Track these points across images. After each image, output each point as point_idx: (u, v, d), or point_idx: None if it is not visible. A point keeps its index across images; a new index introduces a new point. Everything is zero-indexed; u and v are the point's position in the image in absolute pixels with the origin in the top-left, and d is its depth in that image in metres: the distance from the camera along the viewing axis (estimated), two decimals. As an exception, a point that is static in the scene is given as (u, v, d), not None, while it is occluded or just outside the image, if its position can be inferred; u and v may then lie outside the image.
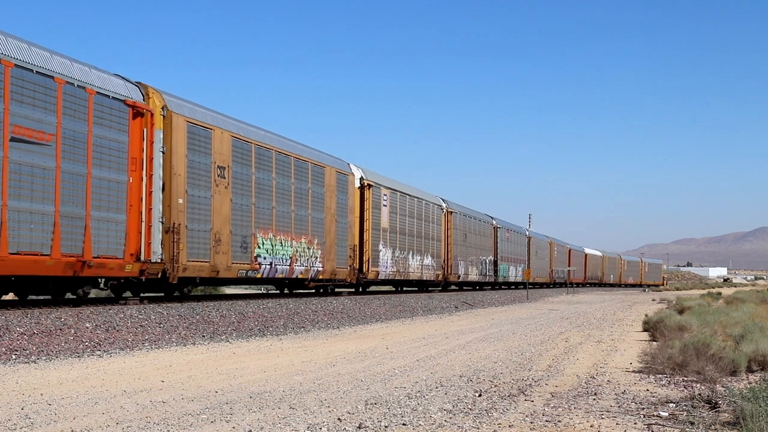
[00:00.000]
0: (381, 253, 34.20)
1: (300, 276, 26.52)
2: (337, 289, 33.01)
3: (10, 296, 27.89)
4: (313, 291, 30.45)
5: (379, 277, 34.00)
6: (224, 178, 21.86)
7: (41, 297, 19.21)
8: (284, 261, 25.20)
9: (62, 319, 14.41)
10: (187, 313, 17.59)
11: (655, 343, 14.60)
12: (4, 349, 11.79)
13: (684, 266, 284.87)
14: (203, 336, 15.57)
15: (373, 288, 41.90)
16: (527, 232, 68.02)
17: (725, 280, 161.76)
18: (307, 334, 17.46)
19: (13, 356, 11.58)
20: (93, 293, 23.93)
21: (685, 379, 10.07)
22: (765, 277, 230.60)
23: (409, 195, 38.69)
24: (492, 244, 55.39)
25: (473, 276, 49.92)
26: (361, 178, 32.49)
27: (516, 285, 64.23)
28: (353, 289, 35.84)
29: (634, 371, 11.02)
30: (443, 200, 45.56)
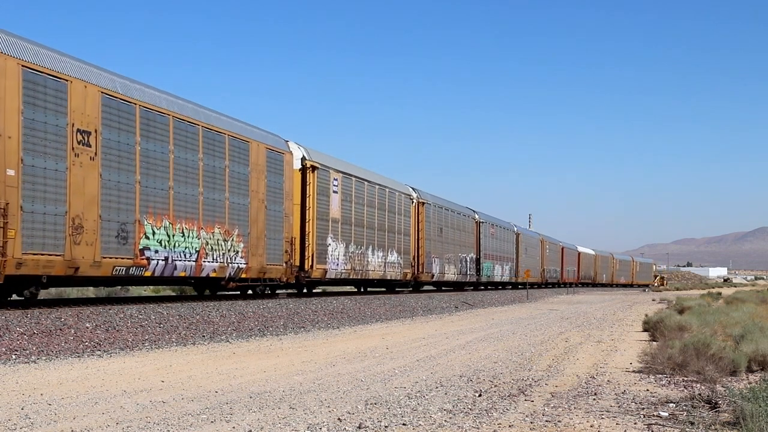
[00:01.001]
0: (330, 248, 28.93)
1: (213, 274, 21.42)
2: (277, 291, 28.51)
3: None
4: (238, 293, 25.42)
5: (328, 276, 28.88)
6: (89, 146, 16.66)
7: (41, 297, 19.13)
8: (188, 256, 20.10)
9: (62, 319, 14.42)
10: (187, 313, 17.60)
11: (655, 343, 14.60)
12: (4, 349, 11.79)
13: (684, 266, 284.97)
14: (203, 336, 15.57)
15: (323, 288, 38.45)
16: (515, 228, 63.47)
17: (725, 280, 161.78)
18: (307, 334, 17.46)
19: (13, 356, 11.59)
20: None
21: (685, 379, 10.07)
22: (765, 277, 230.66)
23: (367, 181, 33.31)
24: (474, 240, 50.71)
25: (450, 275, 45.27)
26: (303, 158, 27.15)
27: (503, 285, 60.08)
28: (294, 291, 30.92)
29: (634, 371, 11.02)
30: (414, 189, 40.55)
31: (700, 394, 8.35)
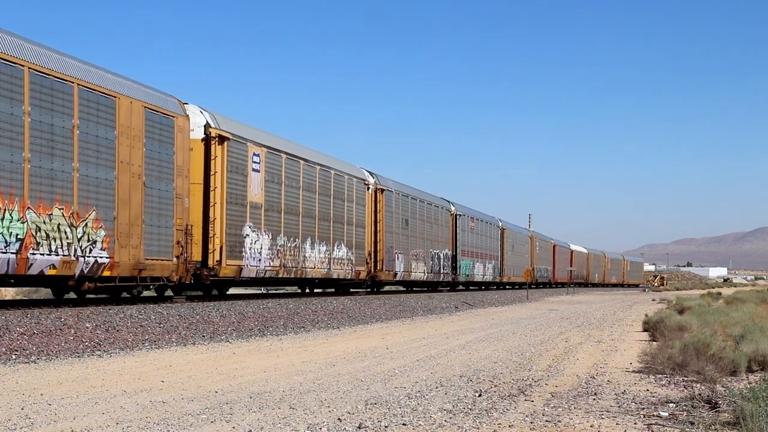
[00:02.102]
0: (248, 240, 23.33)
1: (51, 272, 15.88)
2: (184, 293, 23.56)
3: (10, 296, 27.96)
4: (106, 297, 20.20)
5: (245, 275, 23.37)
6: None
7: (41, 297, 19.11)
8: (1, 246, 14.62)
9: (62, 319, 14.42)
10: (187, 313, 17.61)
11: (655, 343, 14.61)
12: (4, 349, 11.80)
13: (684, 266, 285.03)
14: (203, 336, 15.58)
15: (240, 290, 33.52)
16: (500, 223, 58.08)
17: (725, 280, 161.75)
18: (307, 334, 17.48)
19: (13, 356, 11.59)
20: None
21: (685, 379, 10.08)
22: (765, 277, 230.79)
23: (304, 159, 27.46)
24: (449, 234, 45.51)
25: (419, 273, 39.89)
26: (207, 125, 21.61)
27: (486, 286, 55.05)
28: (201, 292, 24.70)
29: (634, 371, 11.03)
30: (371, 173, 34.77)
31: (700, 394, 8.35)
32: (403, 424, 6.94)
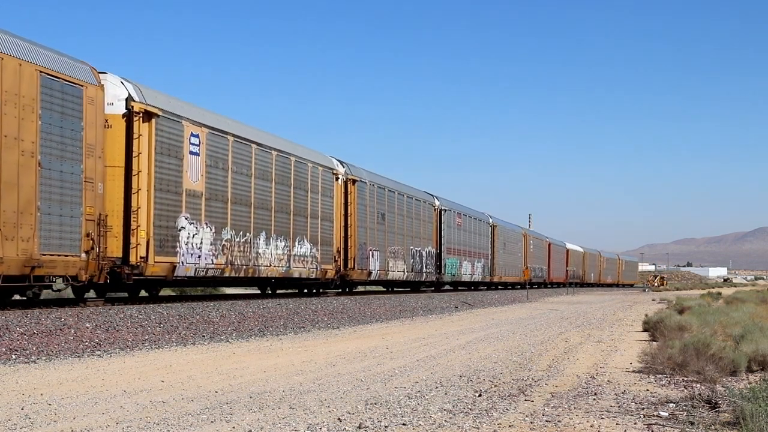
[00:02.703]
0: (185, 233, 20.28)
1: None
2: (108, 295, 20.84)
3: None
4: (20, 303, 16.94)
5: (180, 273, 20.25)
6: None
7: (42, 297, 19.12)
8: None
9: (62, 319, 14.42)
10: (187, 313, 17.61)
11: (655, 343, 14.62)
12: (4, 349, 11.80)
13: (684, 266, 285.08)
14: (203, 336, 15.58)
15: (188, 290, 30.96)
16: (490, 220, 54.80)
17: (725, 280, 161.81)
18: (307, 334, 17.48)
19: (13, 356, 11.59)
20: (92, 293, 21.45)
21: (685, 379, 10.08)
22: (765, 277, 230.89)
23: (257, 144, 24.33)
24: (433, 231, 42.37)
25: (397, 272, 36.83)
26: (129, 99, 18.47)
27: (475, 286, 52.26)
28: (125, 293, 21.55)
29: (634, 371, 11.03)
30: (341, 162, 31.44)
31: (700, 394, 8.36)
32: (403, 424, 6.95)
